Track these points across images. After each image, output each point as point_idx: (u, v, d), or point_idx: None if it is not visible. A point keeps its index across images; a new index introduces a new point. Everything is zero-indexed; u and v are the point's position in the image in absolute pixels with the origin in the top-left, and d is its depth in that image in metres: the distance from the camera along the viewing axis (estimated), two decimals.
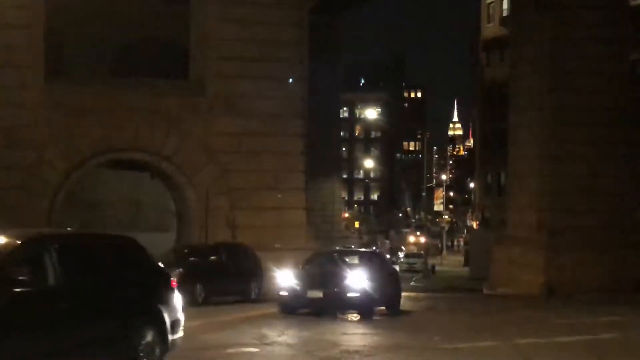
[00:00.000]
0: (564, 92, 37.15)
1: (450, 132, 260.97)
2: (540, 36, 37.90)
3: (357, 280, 22.19)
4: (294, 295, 22.11)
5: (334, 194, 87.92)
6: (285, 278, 22.78)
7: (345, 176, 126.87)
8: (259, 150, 31.95)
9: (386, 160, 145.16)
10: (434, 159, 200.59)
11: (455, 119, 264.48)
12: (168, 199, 35.38)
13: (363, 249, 31.09)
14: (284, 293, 22.38)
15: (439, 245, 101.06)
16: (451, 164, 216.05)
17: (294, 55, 32.48)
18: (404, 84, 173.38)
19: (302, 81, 32.95)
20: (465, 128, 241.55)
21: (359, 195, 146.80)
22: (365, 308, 22.20)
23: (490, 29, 77.92)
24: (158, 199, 40.38)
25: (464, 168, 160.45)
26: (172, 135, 31.16)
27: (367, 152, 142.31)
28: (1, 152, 29.41)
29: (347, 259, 24.99)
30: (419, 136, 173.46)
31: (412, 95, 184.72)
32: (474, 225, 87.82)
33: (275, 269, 26.11)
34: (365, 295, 21.88)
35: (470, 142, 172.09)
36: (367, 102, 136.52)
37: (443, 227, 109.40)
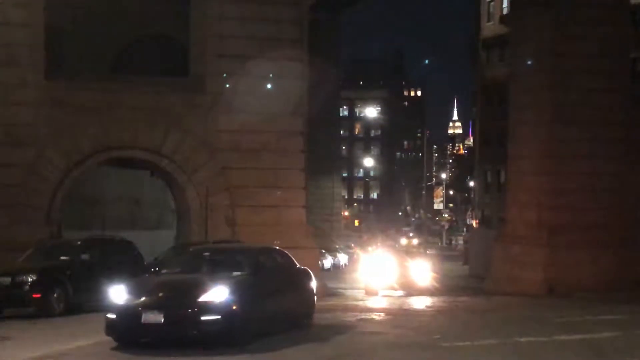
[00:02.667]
0: (563, 90, 37.10)
1: (450, 131, 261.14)
2: (540, 34, 37.86)
3: (220, 293, 15.20)
4: (124, 319, 15.29)
5: (333, 192, 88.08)
6: (118, 290, 15.82)
7: (345, 174, 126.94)
8: (259, 149, 31.92)
9: (386, 159, 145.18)
10: (434, 157, 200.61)
11: (455, 117, 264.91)
12: (168, 197, 35.41)
13: (254, 245, 22.04)
14: (110, 315, 15.49)
15: (439, 244, 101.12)
16: (451, 163, 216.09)
17: (293, 53, 32.44)
18: (403, 82, 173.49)
19: (302, 79, 32.92)
20: (465, 126, 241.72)
21: (358, 194, 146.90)
22: (229, 338, 15.18)
23: (490, 28, 77.95)
24: (158, 196, 40.48)
25: (463, 166, 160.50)
26: (172, 133, 31.14)
27: (366, 151, 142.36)
28: (1, 149, 29.41)
29: (222, 260, 17.85)
30: (418, 134, 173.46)
31: (412, 93, 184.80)
32: (474, 224, 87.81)
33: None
34: (230, 317, 15.08)
35: (470, 141, 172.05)
36: (367, 101, 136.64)
37: (443, 226, 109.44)
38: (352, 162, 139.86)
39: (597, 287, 34.58)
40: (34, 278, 21.60)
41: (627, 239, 37.01)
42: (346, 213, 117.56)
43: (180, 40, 34.14)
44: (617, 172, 37.35)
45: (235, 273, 16.62)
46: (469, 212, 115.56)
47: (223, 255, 18.42)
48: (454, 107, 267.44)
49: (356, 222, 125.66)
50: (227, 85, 31.44)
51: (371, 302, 28.68)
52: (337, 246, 75.46)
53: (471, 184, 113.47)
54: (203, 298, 15.13)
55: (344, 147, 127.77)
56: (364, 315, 22.95)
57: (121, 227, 36.02)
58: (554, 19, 37.25)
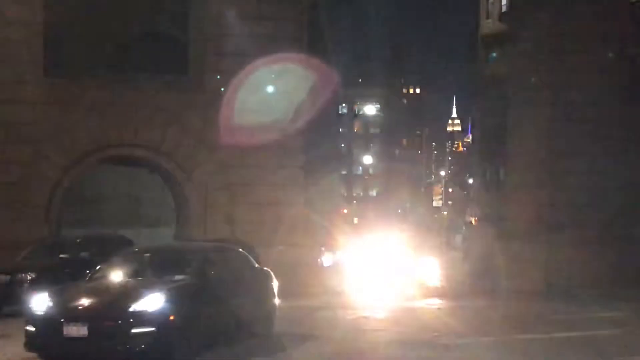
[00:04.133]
0: (563, 88, 37.09)
1: (449, 128, 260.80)
2: (539, 31, 37.84)
3: (154, 302, 13.36)
4: (45, 332, 13.43)
5: (332, 190, 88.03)
6: (40, 299, 13.90)
7: (344, 172, 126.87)
8: (258, 146, 31.86)
9: (385, 156, 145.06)
10: (433, 154, 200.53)
11: (454, 114, 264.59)
12: (167, 195, 35.35)
13: (204, 244, 20.49)
14: (30, 328, 13.66)
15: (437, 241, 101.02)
16: (450, 160, 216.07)
17: (293, 51, 32.41)
18: (403, 80, 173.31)
19: (301, 77, 32.86)
20: (464, 124, 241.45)
21: (357, 191, 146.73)
22: (165, 354, 13.31)
23: (489, 25, 77.82)
24: (157, 194, 40.38)
25: (463, 164, 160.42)
26: (171, 131, 31.13)
27: (366, 148, 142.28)
28: None
29: (165, 262, 15.74)
30: (418, 132, 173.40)
31: (412, 91, 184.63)
32: (473, 221, 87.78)
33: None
34: (166, 329, 13.26)
35: (469, 138, 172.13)
36: (366, 98, 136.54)
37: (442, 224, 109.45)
38: (351, 160, 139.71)
39: (596, 284, 34.58)
40: (33, 276, 21.61)
41: (626, 236, 37.01)
42: (345, 211, 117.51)
43: (179, 38, 34.09)
44: (617, 169, 37.34)
45: (177, 277, 14.68)
46: (468, 210, 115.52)
47: (167, 256, 16.27)
48: (453, 104, 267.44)
49: (355, 220, 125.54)
50: (223, 88, 31.41)
51: (370, 300, 28.66)
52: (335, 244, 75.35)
53: (470, 181, 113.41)
54: (134, 307, 13.21)
55: (343, 145, 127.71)
56: (363, 313, 22.96)
57: (120, 225, 35.98)
58: (553, 16, 37.24)
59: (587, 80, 37.01)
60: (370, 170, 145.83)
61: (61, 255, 23.72)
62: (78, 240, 24.47)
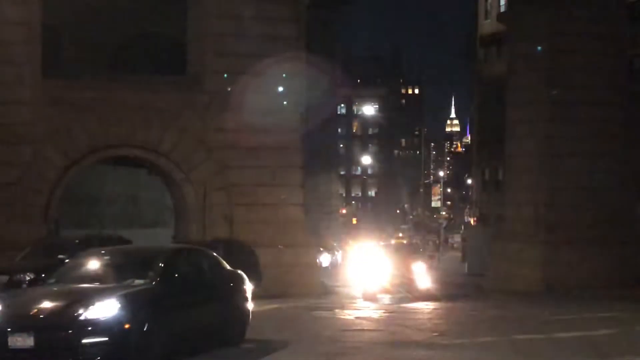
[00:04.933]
0: (561, 88, 37.12)
1: (448, 129, 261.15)
2: (537, 31, 37.86)
3: (108, 309, 12.35)
4: None
5: (331, 190, 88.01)
6: None
7: (342, 172, 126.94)
8: (257, 147, 31.90)
9: (384, 157, 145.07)
10: (432, 155, 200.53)
11: (453, 115, 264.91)
12: (166, 195, 35.37)
13: (168, 245, 19.79)
14: None
15: (436, 242, 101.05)
16: (449, 160, 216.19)
17: (291, 51, 32.43)
18: (401, 80, 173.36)
19: (300, 77, 32.91)
20: (462, 124, 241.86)
21: (356, 192, 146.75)
22: None
23: (487, 25, 77.85)
24: (156, 195, 40.42)
25: (461, 164, 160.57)
26: (169, 132, 31.12)
27: (364, 149, 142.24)
28: None
29: (125, 265, 14.53)
30: (416, 132, 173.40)
31: (410, 91, 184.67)
32: (472, 222, 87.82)
33: None
34: (121, 339, 12.25)
35: (468, 138, 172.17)
36: (364, 99, 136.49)
37: (441, 223, 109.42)
38: (349, 160, 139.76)
39: (594, 284, 34.60)
40: (32, 277, 21.60)
41: (624, 236, 37.04)
42: (344, 211, 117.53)
43: (178, 38, 34.12)
44: (614, 170, 37.37)
45: (137, 281, 13.47)
46: (466, 210, 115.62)
47: (128, 259, 14.98)
48: (451, 104, 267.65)
49: (354, 220, 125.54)
50: (221, 89, 31.42)
51: (366, 301, 28.67)
52: (334, 244, 75.42)
53: (469, 181, 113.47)
54: (85, 315, 12.13)
55: (341, 145, 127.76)
56: (360, 314, 22.98)
57: (119, 225, 36.01)
58: (551, 16, 37.27)
59: (585, 80, 37.03)
60: (369, 171, 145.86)
61: (60, 256, 23.67)
62: (77, 241, 24.46)
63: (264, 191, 31.92)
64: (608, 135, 37.31)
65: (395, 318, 22.08)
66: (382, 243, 76.50)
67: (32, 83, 29.52)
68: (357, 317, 21.72)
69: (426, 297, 28.49)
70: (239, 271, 16.41)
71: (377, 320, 21.38)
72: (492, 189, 77.69)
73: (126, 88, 30.93)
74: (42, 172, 29.60)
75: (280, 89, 32.12)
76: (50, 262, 23.05)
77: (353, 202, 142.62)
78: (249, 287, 16.31)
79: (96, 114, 30.18)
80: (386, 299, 28.45)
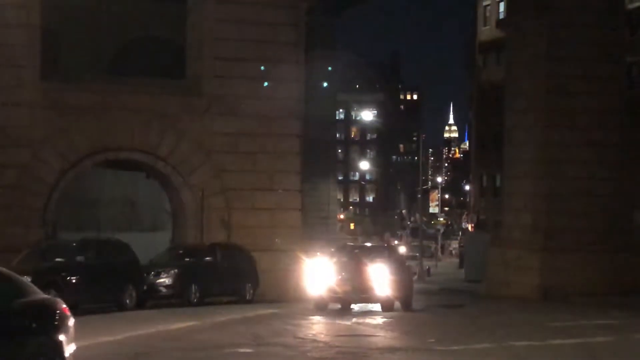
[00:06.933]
0: (559, 95, 37.14)
1: (446, 135, 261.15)
2: (536, 39, 37.89)
3: None
4: None
5: (329, 196, 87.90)
6: None
7: (340, 178, 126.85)
8: (255, 151, 31.91)
9: (382, 162, 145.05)
10: (430, 161, 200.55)
11: (451, 121, 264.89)
12: (164, 199, 35.32)
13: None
14: None
15: (433, 247, 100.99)
16: (447, 166, 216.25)
17: (290, 55, 32.45)
18: (400, 86, 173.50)
19: (299, 82, 32.92)
20: (461, 130, 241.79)
21: (354, 197, 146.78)
22: None
23: (486, 32, 77.97)
24: (153, 198, 40.32)
25: (459, 170, 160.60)
26: (168, 135, 31.12)
27: (362, 154, 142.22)
28: None
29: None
30: (414, 138, 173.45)
31: (409, 97, 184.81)
32: (470, 228, 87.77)
33: None
34: None
35: (466, 145, 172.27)
36: (363, 104, 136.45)
37: (438, 230, 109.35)
38: (348, 165, 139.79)
39: (591, 291, 34.59)
40: (29, 280, 21.54)
41: (622, 243, 37.03)
42: (342, 216, 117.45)
43: (176, 42, 34.11)
44: (612, 177, 37.38)
45: None
46: (464, 216, 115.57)
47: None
48: (450, 110, 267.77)
49: (352, 226, 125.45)
50: (219, 93, 31.42)
51: (364, 306, 28.63)
52: (332, 249, 75.42)
53: (467, 187, 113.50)
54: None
55: (340, 150, 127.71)
56: (357, 319, 22.96)
57: (117, 228, 35.89)
58: (550, 23, 37.28)
59: (583, 87, 37.05)
60: (367, 176, 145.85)
61: (57, 259, 23.69)
62: (74, 244, 24.47)
63: (262, 195, 31.90)
64: (606, 142, 37.31)
65: (393, 324, 22.03)
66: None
67: (31, 86, 29.52)
68: (354, 322, 21.66)
69: (425, 301, 28.25)
70: (54, 298, 12.75)
71: (374, 326, 21.36)
72: (490, 195, 77.77)
73: (125, 91, 30.93)
74: (40, 174, 29.59)
75: (279, 93, 32.11)
76: (48, 265, 23.06)
77: (351, 207, 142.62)
78: (71, 321, 12.09)
79: (95, 117, 30.18)
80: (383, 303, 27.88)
